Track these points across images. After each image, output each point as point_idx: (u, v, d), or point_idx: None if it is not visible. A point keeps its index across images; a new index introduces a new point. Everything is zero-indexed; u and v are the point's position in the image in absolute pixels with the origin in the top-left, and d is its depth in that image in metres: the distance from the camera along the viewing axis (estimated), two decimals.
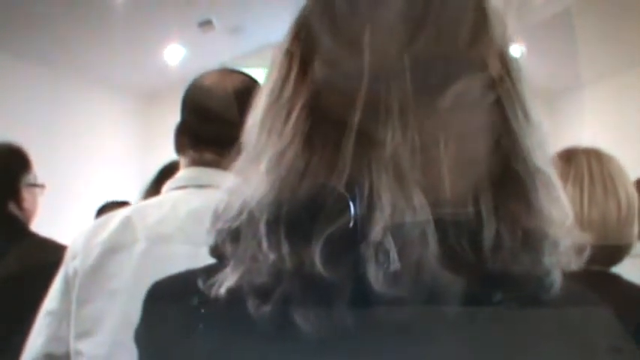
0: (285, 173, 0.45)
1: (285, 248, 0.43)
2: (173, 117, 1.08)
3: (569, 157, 1.18)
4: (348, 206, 0.43)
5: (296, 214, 0.44)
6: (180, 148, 1.05)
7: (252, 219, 0.45)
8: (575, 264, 0.48)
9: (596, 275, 1.10)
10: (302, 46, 0.49)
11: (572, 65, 4.57)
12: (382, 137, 0.43)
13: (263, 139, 0.48)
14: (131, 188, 4.42)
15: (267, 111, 0.49)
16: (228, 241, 0.47)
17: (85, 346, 0.89)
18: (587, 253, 0.49)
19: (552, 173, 0.48)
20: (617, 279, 1.12)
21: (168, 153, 1.31)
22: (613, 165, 1.17)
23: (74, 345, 0.90)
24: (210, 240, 0.50)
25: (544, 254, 0.45)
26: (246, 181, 0.47)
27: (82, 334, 0.89)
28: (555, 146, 1.25)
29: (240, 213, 0.46)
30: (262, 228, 0.44)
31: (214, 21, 4.87)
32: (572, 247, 0.47)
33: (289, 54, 0.49)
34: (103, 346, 0.87)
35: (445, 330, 0.44)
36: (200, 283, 0.47)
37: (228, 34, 5.14)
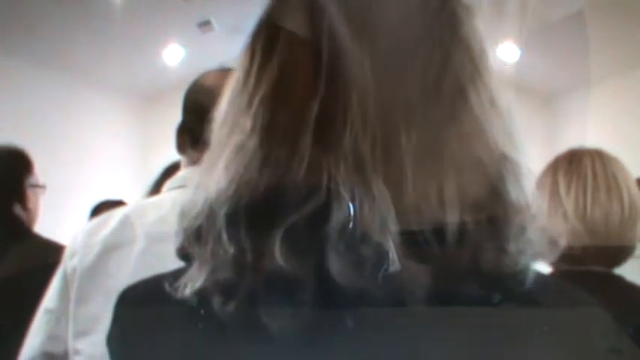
0: (244, 166, 0.45)
1: (246, 241, 0.43)
2: (173, 117, 1.08)
3: (573, 158, 1.18)
4: (309, 197, 0.42)
5: (256, 207, 0.43)
6: (180, 147, 1.05)
7: (212, 214, 0.45)
8: (549, 254, 0.47)
9: (598, 276, 1.10)
10: (264, 39, 0.49)
11: (574, 66, 4.57)
12: (342, 126, 0.43)
13: (225, 133, 0.48)
14: (131, 188, 4.42)
15: (229, 106, 0.49)
16: (193, 239, 0.47)
17: (83, 345, 0.88)
18: (562, 243, 0.48)
19: (521, 160, 0.47)
20: (620, 280, 1.11)
21: (168, 153, 1.31)
22: (616, 166, 1.16)
23: (72, 343, 0.89)
24: (177, 241, 0.49)
25: (510, 241, 0.44)
26: (208, 177, 0.47)
27: (80, 333, 0.89)
28: (555, 147, 1.24)
29: (201, 211, 0.46)
30: (221, 222, 0.44)
31: (213, 21, 4.86)
32: (544, 236, 0.46)
33: (252, 48, 0.50)
34: (101, 344, 0.86)
35: (413, 321, 0.43)
36: (167, 287, 0.46)
37: (228, 35, 5.14)
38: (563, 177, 1.14)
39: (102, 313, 0.88)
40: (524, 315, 0.45)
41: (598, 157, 1.17)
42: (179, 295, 0.45)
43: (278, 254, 0.41)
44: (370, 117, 0.43)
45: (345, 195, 0.41)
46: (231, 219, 0.44)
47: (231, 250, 0.43)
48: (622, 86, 4.71)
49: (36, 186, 1.74)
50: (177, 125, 1.06)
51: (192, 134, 1.02)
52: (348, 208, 0.41)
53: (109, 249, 0.91)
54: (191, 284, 0.45)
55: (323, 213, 0.42)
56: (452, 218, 0.43)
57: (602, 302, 0.49)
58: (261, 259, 0.42)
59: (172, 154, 1.12)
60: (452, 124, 0.46)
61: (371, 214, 0.41)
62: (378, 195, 0.42)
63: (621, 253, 1.14)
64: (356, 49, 0.44)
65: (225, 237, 0.43)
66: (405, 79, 0.45)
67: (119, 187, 4.49)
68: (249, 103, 0.47)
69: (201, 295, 0.44)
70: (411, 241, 0.42)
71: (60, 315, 0.91)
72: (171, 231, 0.92)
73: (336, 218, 0.41)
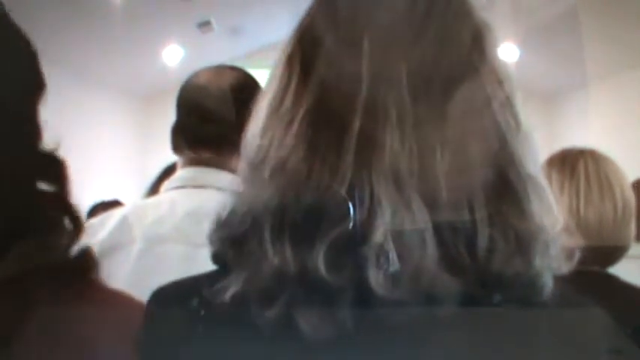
0: (288, 179, 0.46)
1: (289, 253, 0.44)
2: (172, 117, 1.07)
3: (565, 158, 1.18)
4: (350, 211, 0.44)
5: (299, 220, 0.45)
6: (176, 148, 1.04)
7: (256, 225, 0.46)
8: (565, 268, 0.49)
9: (593, 276, 1.10)
10: (302, 55, 0.50)
11: (574, 66, 4.57)
12: (381, 144, 0.45)
13: (265, 147, 0.49)
14: (131, 188, 4.42)
15: (268, 121, 0.50)
16: (232, 248, 0.48)
17: None
18: (577, 257, 0.50)
19: (543, 179, 0.50)
20: (614, 280, 1.11)
21: (167, 154, 1.31)
22: (609, 165, 1.16)
23: None
24: (213, 247, 0.51)
25: (535, 257, 0.46)
26: (249, 189, 0.49)
27: None
28: (555, 147, 1.24)
29: (244, 220, 0.47)
30: (267, 234, 0.45)
31: (213, 22, 4.86)
32: (562, 251, 0.49)
33: (289, 63, 0.51)
34: None
35: (445, 331, 0.45)
36: (204, 290, 0.48)
37: (228, 35, 5.14)
38: (556, 177, 1.14)
39: None
40: (524, 315, 0.46)
41: (591, 157, 1.17)
42: (217, 299, 0.46)
43: (321, 266, 0.43)
44: (408, 134, 0.45)
45: (386, 211, 0.43)
46: (276, 232, 0.45)
47: (275, 261, 0.44)
48: (622, 86, 4.70)
49: None
50: (171, 125, 1.05)
51: (187, 134, 1.02)
52: (388, 223, 0.43)
53: (108, 250, 0.90)
54: (231, 289, 0.46)
55: (364, 227, 0.44)
56: (482, 234, 0.45)
57: (599, 302, 0.50)
58: (303, 270, 0.44)
59: (171, 155, 1.12)
60: (481, 143, 0.48)
61: (410, 229, 0.43)
62: (417, 211, 0.44)
63: (615, 253, 1.14)
64: (395, 68, 0.46)
65: (270, 249, 0.45)
66: (438, 99, 0.46)
67: (118, 187, 4.49)
68: (292, 118, 0.48)
69: (240, 300, 0.46)
70: (445, 254, 0.44)
71: None
72: (170, 232, 0.92)
73: (377, 233, 0.43)
